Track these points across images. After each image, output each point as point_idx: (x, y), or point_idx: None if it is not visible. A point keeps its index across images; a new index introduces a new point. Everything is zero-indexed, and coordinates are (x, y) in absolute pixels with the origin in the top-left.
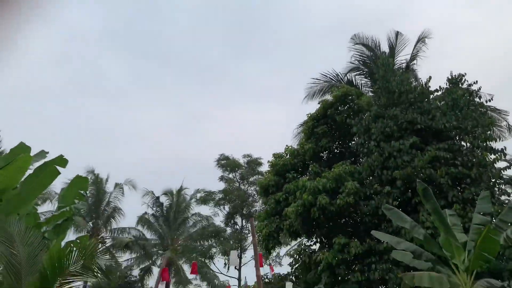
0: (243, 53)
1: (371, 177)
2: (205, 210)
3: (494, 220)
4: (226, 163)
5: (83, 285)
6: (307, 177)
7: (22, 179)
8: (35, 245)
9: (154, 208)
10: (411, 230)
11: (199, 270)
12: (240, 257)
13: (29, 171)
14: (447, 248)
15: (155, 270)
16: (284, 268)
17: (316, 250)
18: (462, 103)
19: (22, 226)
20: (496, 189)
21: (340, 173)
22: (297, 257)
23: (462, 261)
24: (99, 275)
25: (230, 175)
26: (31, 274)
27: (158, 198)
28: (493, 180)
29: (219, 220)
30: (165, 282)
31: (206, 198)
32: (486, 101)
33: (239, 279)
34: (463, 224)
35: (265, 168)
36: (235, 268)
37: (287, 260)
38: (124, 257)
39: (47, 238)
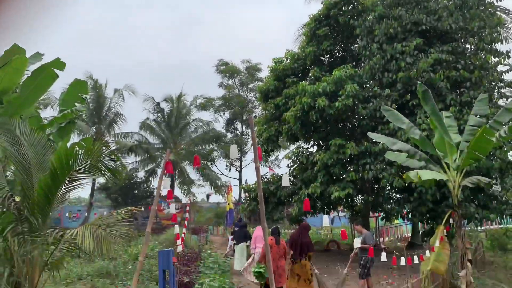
0: None
1: (371, 81)
2: (206, 116)
3: (489, 122)
4: (225, 69)
5: (92, 184)
6: (307, 82)
7: (20, 82)
8: (41, 145)
9: (155, 114)
10: (408, 130)
11: (201, 172)
12: (240, 160)
13: (26, 76)
14: (440, 148)
15: (160, 172)
16: (282, 170)
17: (313, 152)
18: (471, 3)
19: (27, 128)
20: (495, 92)
21: (340, 76)
22: (295, 158)
23: (454, 160)
24: (106, 173)
25: (230, 81)
26: (41, 172)
27: (158, 104)
28: (493, 84)
29: (219, 126)
30: (168, 175)
31: (206, 104)
32: (497, 0)
33: (239, 180)
34: (459, 126)
35: (264, 74)
36: (236, 170)
37: (285, 163)
38: (129, 160)
39: (52, 140)
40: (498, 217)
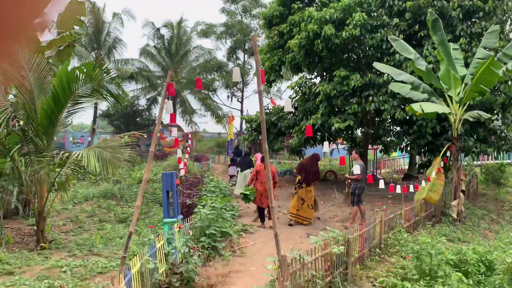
0: None
1: (380, 9)
2: (207, 44)
3: (497, 54)
4: None
5: (94, 110)
6: (314, 8)
7: None
8: (41, 68)
9: (155, 41)
10: (415, 61)
11: (203, 102)
12: (242, 91)
13: None
14: (445, 81)
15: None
16: (283, 103)
17: (317, 83)
18: None
19: (25, 50)
20: (508, 24)
21: (349, 3)
22: (298, 89)
23: (457, 93)
24: (108, 98)
25: (232, 7)
26: (43, 94)
27: (158, 29)
28: (507, 15)
29: (221, 55)
30: (170, 97)
31: (207, 31)
32: None
33: (241, 110)
34: (466, 59)
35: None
36: (238, 100)
37: (287, 95)
38: (130, 88)
39: (51, 64)
40: (495, 152)
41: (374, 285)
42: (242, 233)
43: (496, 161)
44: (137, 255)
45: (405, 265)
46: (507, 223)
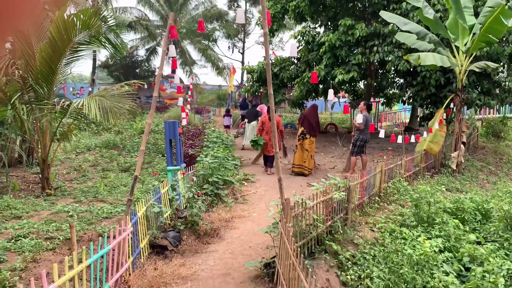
0: None
1: None
2: None
3: (508, 3)
4: None
5: (93, 61)
6: None
7: None
8: (37, 13)
9: None
10: (422, 9)
11: (203, 53)
12: (243, 41)
13: None
14: (453, 31)
15: (161, 51)
16: (286, 53)
17: (321, 33)
18: None
19: None
20: None
21: None
22: (301, 38)
23: (464, 44)
24: (107, 45)
25: None
26: (41, 41)
27: None
28: None
29: (222, 3)
30: (172, 40)
31: None
32: None
33: (242, 62)
34: (476, 7)
35: None
36: (239, 51)
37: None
38: (129, 38)
39: (47, 10)
40: (497, 105)
41: (373, 230)
42: (244, 182)
43: (498, 115)
44: (142, 200)
45: (404, 213)
46: (505, 174)
